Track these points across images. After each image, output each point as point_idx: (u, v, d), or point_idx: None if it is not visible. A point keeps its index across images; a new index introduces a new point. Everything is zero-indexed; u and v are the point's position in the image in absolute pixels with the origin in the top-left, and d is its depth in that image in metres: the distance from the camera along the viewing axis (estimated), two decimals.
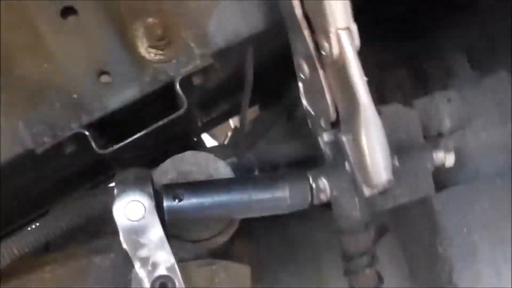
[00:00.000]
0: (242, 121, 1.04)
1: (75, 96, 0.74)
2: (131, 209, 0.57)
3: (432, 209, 0.81)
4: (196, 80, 0.86)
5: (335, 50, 0.55)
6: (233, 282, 0.75)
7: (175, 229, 0.65)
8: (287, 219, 1.11)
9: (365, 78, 0.56)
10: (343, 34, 0.54)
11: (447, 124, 0.80)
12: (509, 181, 0.80)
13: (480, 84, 0.88)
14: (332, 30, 0.54)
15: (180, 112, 0.80)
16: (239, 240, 0.94)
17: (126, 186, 0.57)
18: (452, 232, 0.81)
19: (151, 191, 0.58)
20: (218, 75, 0.97)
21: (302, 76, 0.70)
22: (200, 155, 0.76)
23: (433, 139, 0.79)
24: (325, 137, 0.72)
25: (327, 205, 0.73)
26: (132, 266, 0.62)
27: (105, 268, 0.90)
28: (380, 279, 0.70)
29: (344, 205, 0.66)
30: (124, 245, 0.58)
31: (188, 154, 0.77)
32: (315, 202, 0.66)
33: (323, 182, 0.65)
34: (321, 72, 0.63)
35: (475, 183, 0.81)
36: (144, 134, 0.79)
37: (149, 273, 0.59)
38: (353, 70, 0.56)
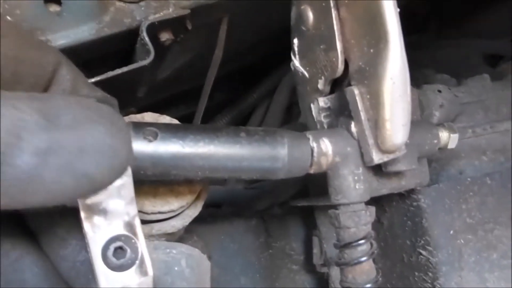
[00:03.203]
0: (201, 104, 0.91)
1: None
2: None
3: (419, 206, 0.73)
4: (164, 36, 0.73)
5: None
6: (194, 273, 0.59)
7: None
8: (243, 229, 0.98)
9: (398, 10, 0.48)
10: None
11: (436, 114, 0.75)
12: (498, 181, 0.74)
13: (464, 84, 0.84)
14: None
15: (145, 62, 0.66)
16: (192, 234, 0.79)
17: None
18: (437, 235, 0.73)
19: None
20: (185, 46, 0.86)
21: (303, 27, 0.61)
22: None
23: None
24: (321, 102, 0.62)
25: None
26: None
27: None
28: (378, 273, 0.59)
29: (347, 174, 0.56)
30: None
31: None
32: (313, 169, 0.55)
33: (326, 144, 0.55)
34: (334, 13, 0.54)
35: (463, 181, 0.74)
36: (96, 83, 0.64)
37: (99, 231, 0.42)
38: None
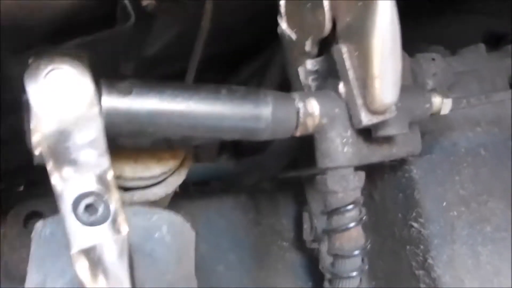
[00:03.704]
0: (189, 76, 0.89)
1: None
2: (55, 81, 0.38)
3: (411, 178, 0.71)
4: (146, 1, 0.71)
5: None
6: (176, 240, 0.57)
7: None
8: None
9: None
10: None
11: (429, 83, 0.72)
12: (492, 152, 0.73)
13: (459, 54, 0.82)
14: None
15: (125, 25, 0.64)
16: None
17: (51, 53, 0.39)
18: (429, 207, 0.71)
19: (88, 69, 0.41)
20: (172, 19, 0.83)
21: None
22: None
23: None
24: (308, 65, 0.60)
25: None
26: None
27: None
28: (366, 240, 0.57)
29: (334, 137, 0.53)
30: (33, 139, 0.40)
31: None
32: (299, 130, 0.53)
33: (312, 105, 0.52)
34: None
35: (457, 152, 0.72)
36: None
37: (69, 186, 0.40)
38: None
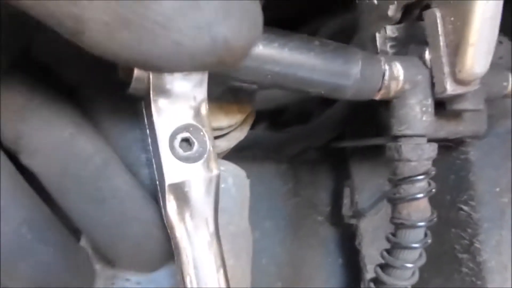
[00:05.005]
0: None
1: None
2: None
3: (467, 159, 0.70)
4: None
5: None
6: (239, 193, 0.56)
7: None
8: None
9: None
10: None
11: None
12: None
13: None
14: None
15: None
16: None
17: None
18: (483, 190, 0.70)
19: None
20: None
21: None
22: None
23: None
24: (388, 31, 0.58)
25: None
26: None
27: None
28: (432, 213, 0.56)
29: (414, 104, 0.52)
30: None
31: None
32: (381, 93, 0.52)
33: (398, 68, 0.51)
34: None
35: None
36: None
37: (164, 115, 0.39)
38: None
